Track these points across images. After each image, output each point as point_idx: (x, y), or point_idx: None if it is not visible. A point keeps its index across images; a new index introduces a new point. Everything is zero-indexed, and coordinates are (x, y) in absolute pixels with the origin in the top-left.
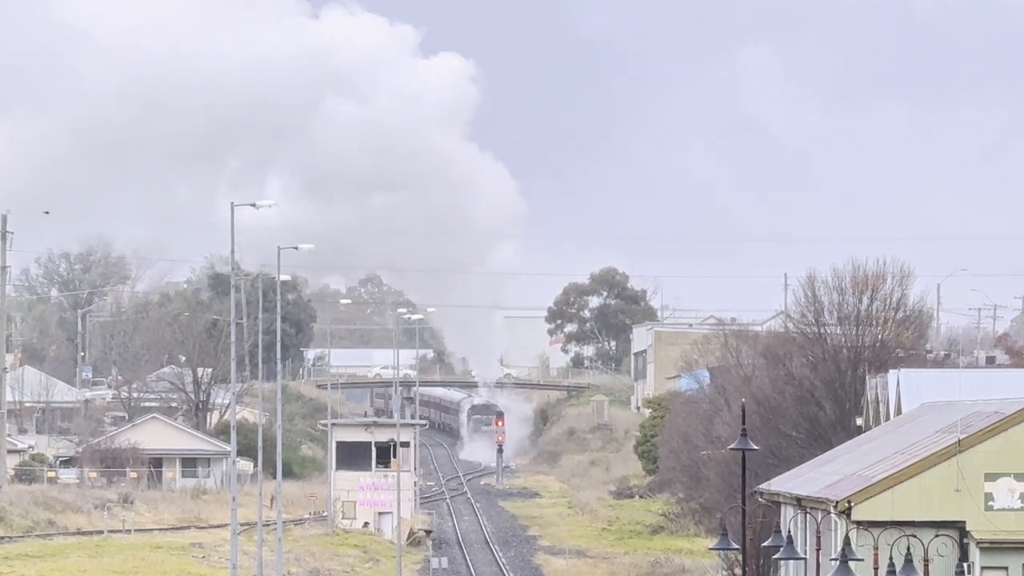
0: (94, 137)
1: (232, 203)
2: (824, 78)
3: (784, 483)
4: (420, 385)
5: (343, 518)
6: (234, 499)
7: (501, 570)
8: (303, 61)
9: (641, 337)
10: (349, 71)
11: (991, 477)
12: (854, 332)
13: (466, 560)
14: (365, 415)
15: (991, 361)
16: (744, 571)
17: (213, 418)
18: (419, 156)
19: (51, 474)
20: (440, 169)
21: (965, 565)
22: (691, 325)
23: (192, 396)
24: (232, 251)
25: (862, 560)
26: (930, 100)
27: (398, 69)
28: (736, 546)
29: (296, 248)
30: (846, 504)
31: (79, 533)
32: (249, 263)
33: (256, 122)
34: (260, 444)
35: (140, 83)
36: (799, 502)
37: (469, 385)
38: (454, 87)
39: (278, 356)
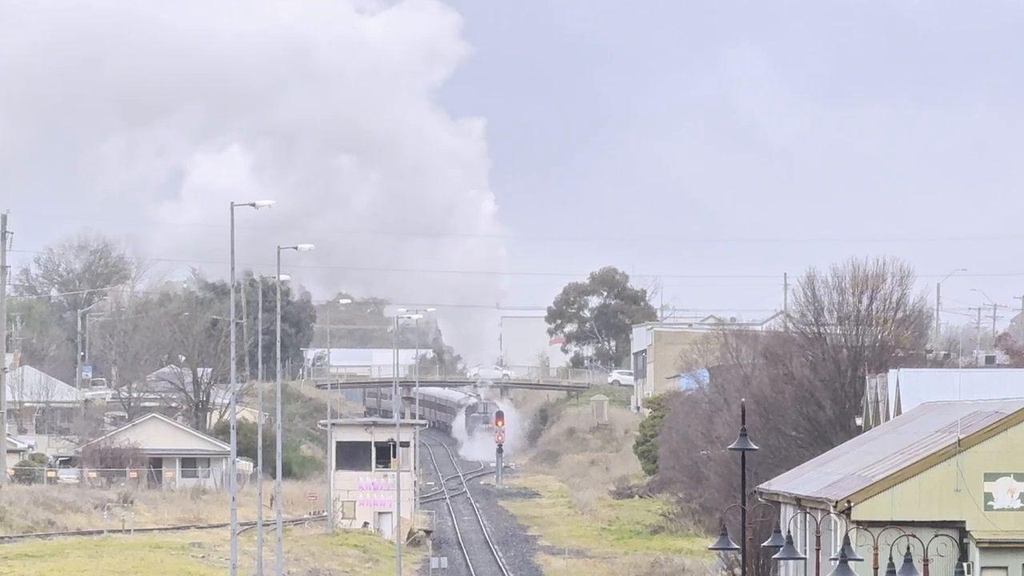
0: (30, 115)
1: (232, 203)
2: (821, 78)
3: (784, 483)
4: (419, 385)
5: (343, 518)
6: (234, 499)
7: (501, 570)
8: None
9: (641, 337)
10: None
11: (991, 477)
12: (854, 332)
13: (466, 560)
14: (364, 415)
15: (991, 361)
16: (744, 571)
17: (213, 418)
18: (404, 151)
19: (51, 474)
20: (430, 167)
21: (965, 565)
22: (691, 325)
23: (192, 396)
24: (232, 252)
25: (862, 560)
26: (930, 99)
27: (385, 69)
28: (736, 546)
29: (296, 248)
30: (846, 504)
31: (79, 533)
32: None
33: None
34: (260, 444)
35: (78, 47)
36: (799, 502)
37: (466, 384)
38: (445, 76)
39: (278, 356)
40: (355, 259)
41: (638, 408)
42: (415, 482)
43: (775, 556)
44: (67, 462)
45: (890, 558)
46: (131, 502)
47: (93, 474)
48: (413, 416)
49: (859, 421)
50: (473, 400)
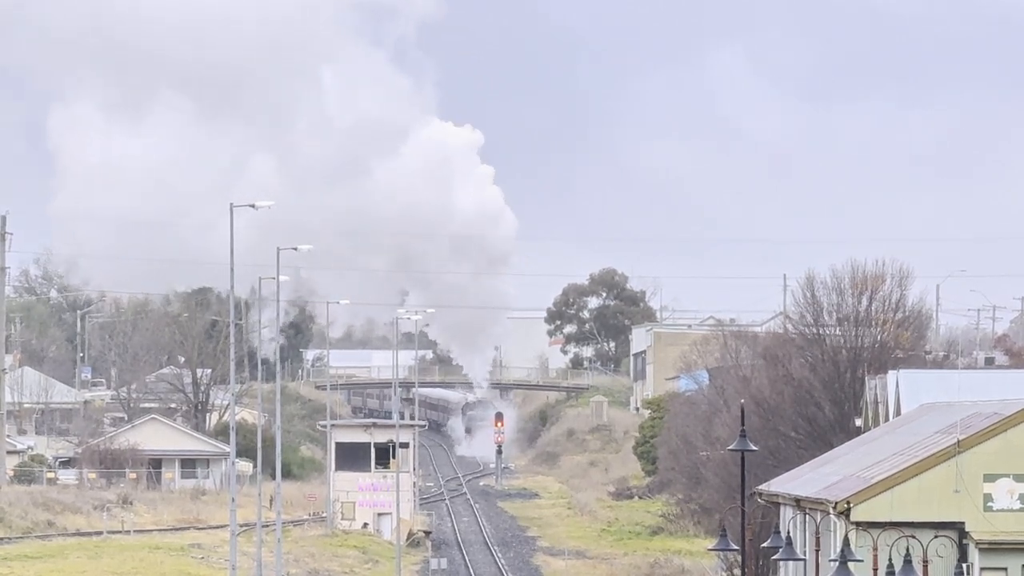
0: None
1: (231, 204)
2: (819, 77)
3: (783, 484)
4: (418, 386)
5: (342, 519)
6: (233, 500)
7: (500, 571)
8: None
9: (640, 338)
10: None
11: (990, 478)
12: (853, 333)
13: (465, 561)
14: (364, 415)
15: (990, 362)
16: (743, 572)
17: (212, 419)
18: (402, 152)
19: (50, 475)
20: (427, 168)
21: (964, 566)
22: (690, 326)
23: (191, 397)
24: (231, 252)
25: (861, 561)
26: (930, 99)
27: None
28: (735, 547)
29: (296, 249)
30: (845, 505)
31: (78, 534)
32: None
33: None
34: (259, 445)
35: None
36: (798, 503)
37: (464, 385)
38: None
39: (277, 357)
40: (352, 261)
41: (637, 409)
42: (414, 483)
43: (774, 557)
44: (67, 463)
45: (889, 559)
46: (130, 503)
47: (92, 475)
48: (412, 417)
49: (858, 422)
50: (471, 400)
